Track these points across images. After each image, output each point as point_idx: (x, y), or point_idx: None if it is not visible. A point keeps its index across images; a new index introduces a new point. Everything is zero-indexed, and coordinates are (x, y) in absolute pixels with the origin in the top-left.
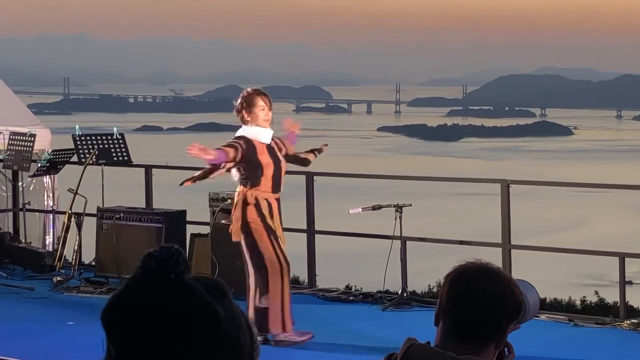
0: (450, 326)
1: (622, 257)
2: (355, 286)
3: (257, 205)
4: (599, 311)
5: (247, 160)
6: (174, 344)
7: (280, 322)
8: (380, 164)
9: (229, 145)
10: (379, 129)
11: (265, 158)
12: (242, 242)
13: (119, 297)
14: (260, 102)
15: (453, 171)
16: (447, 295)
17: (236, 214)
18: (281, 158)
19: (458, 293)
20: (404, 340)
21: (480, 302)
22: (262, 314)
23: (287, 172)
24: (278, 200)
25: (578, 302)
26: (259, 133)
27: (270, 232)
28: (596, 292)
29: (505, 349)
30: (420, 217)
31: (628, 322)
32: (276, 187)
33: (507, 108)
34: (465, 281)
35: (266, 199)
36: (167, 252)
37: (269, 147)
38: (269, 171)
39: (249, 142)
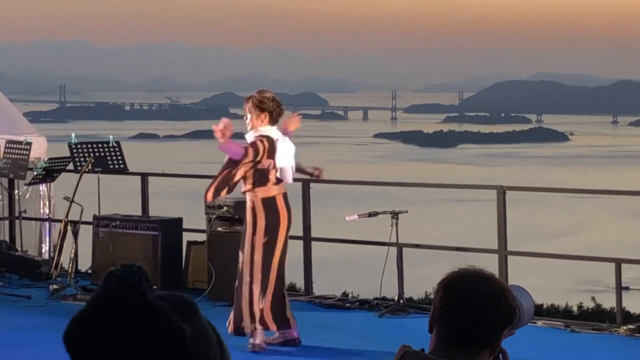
0: (444, 333)
1: (618, 262)
2: (352, 293)
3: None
4: (596, 317)
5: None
6: None
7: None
8: (376, 171)
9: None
10: (375, 136)
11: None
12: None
13: (80, 317)
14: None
15: (449, 178)
16: (441, 301)
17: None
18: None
19: (451, 299)
20: (399, 348)
21: (474, 308)
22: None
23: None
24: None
25: (575, 308)
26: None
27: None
28: (593, 298)
29: (500, 355)
30: (417, 224)
31: (625, 327)
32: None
33: (503, 114)
34: (458, 287)
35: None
36: (129, 271)
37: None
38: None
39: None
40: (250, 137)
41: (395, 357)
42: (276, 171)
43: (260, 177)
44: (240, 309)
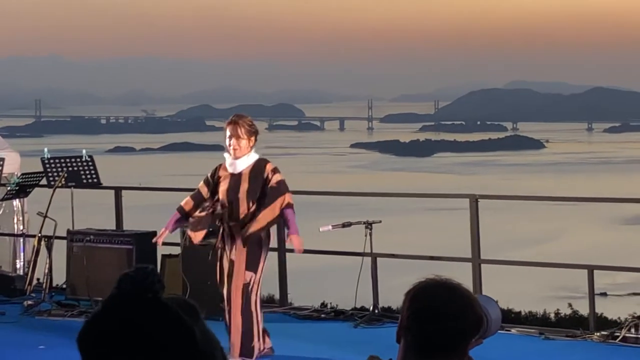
0: (412, 342)
1: (590, 269)
2: (330, 303)
3: (222, 231)
4: (573, 323)
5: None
6: None
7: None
8: (354, 181)
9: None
10: (352, 146)
11: (223, 186)
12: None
13: (96, 318)
14: (227, 132)
15: (426, 186)
16: (408, 311)
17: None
18: (243, 187)
19: (418, 309)
20: (367, 358)
21: (441, 318)
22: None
23: None
24: (241, 231)
25: (552, 315)
26: (227, 161)
27: (222, 256)
28: (570, 305)
29: None
30: (393, 233)
31: (598, 334)
32: (231, 215)
33: (479, 122)
34: (425, 297)
35: (226, 224)
36: (143, 272)
37: (235, 176)
38: (224, 199)
39: (217, 169)
40: (249, 160)
41: None
42: None
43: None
44: (251, 330)
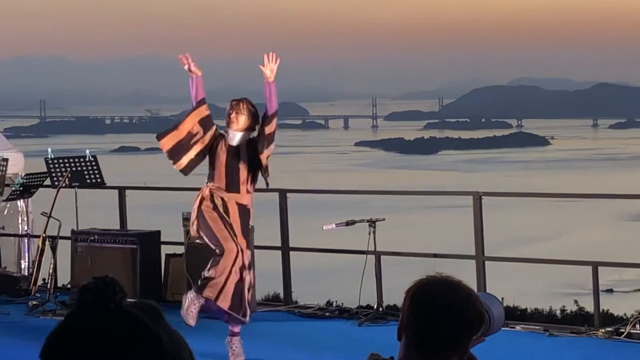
0: (412, 340)
1: (595, 266)
2: (336, 302)
3: (211, 198)
4: (579, 320)
5: (210, 154)
6: None
7: (217, 293)
8: (358, 179)
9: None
10: (356, 144)
11: (222, 155)
12: (202, 234)
13: (59, 332)
14: (227, 109)
15: (431, 184)
16: (408, 309)
17: (193, 208)
18: (242, 158)
19: (419, 307)
20: (368, 356)
21: (441, 315)
22: (205, 280)
23: (261, 190)
24: (239, 205)
25: (558, 312)
26: (227, 134)
27: (225, 221)
28: (575, 302)
29: None
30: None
31: (603, 330)
32: (230, 185)
33: (483, 120)
34: (425, 295)
35: (221, 197)
36: (103, 283)
37: (233, 148)
38: (222, 168)
39: (220, 136)
40: (246, 136)
41: None
42: None
43: None
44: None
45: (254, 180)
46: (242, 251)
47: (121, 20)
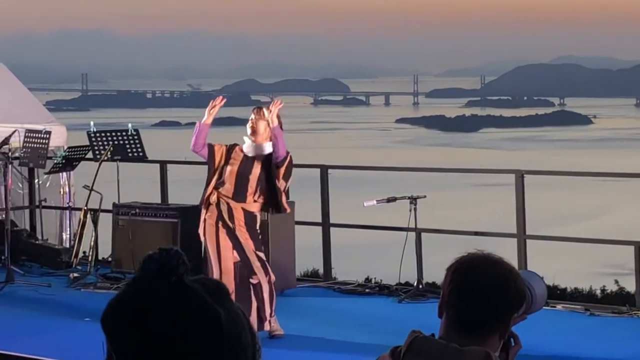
0: (453, 318)
1: (637, 245)
2: (374, 278)
3: (217, 204)
4: (619, 300)
5: (221, 164)
6: (175, 346)
7: None
8: (398, 156)
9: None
10: (397, 121)
11: (235, 165)
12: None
13: (119, 300)
14: (251, 115)
15: (472, 162)
16: (450, 286)
17: (202, 212)
18: (255, 171)
19: (460, 284)
20: (409, 333)
21: (482, 293)
22: None
23: (302, 165)
24: (246, 212)
25: (598, 292)
26: (245, 142)
27: (226, 231)
28: (616, 282)
29: (511, 339)
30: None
31: None
32: (237, 194)
33: (525, 98)
34: (466, 272)
35: (227, 203)
36: (167, 254)
37: (247, 157)
38: (232, 178)
39: (232, 147)
40: (266, 149)
41: (405, 342)
42: None
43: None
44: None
45: (262, 193)
46: (242, 260)
47: None
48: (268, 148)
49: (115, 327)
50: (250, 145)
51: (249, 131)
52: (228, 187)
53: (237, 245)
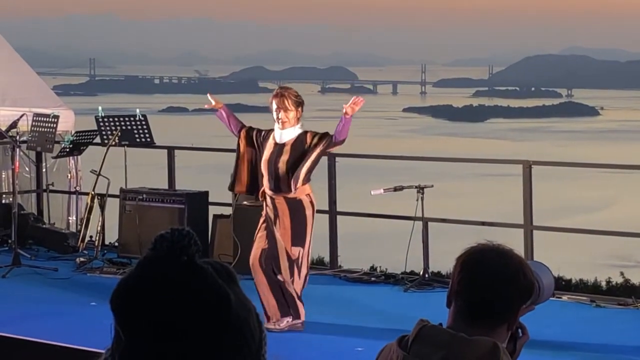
0: (462, 307)
1: None
2: (380, 267)
3: (265, 200)
4: (624, 292)
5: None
6: (185, 326)
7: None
8: (405, 145)
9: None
10: (404, 110)
11: (267, 154)
12: None
13: (128, 279)
14: (273, 105)
15: (479, 152)
16: (459, 276)
17: None
18: (283, 158)
19: (469, 274)
20: (417, 322)
21: (491, 283)
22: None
23: None
24: (288, 200)
25: (604, 283)
26: (275, 131)
27: (267, 227)
28: (622, 273)
29: (519, 330)
30: (444, 198)
31: None
32: (273, 185)
33: (533, 88)
34: (476, 262)
35: (270, 197)
36: (179, 234)
37: (279, 146)
38: (265, 169)
39: (269, 132)
40: (294, 132)
41: (412, 331)
42: None
43: None
44: (293, 296)
45: (299, 176)
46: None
47: None
48: (296, 132)
49: (124, 306)
50: (280, 132)
51: (279, 125)
52: (265, 179)
53: (271, 239)
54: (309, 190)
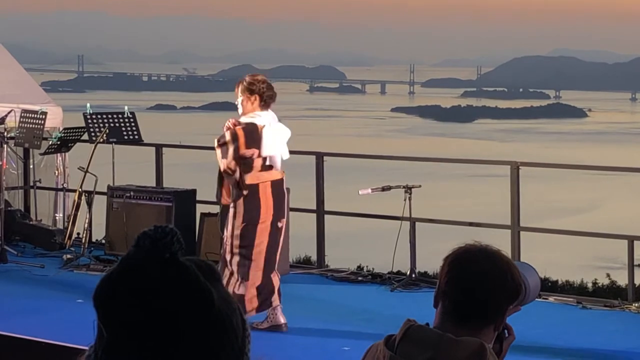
0: (449, 308)
1: (630, 240)
2: (366, 267)
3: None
4: (610, 294)
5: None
6: (167, 323)
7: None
8: (393, 145)
9: None
10: (392, 110)
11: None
12: None
13: (111, 275)
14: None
15: (466, 153)
16: (446, 277)
17: None
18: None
19: (457, 275)
20: (404, 322)
21: (479, 284)
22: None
23: (297, 152)
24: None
25: (590, 285)
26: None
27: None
28: (607, 275)
29: (505, 330)
30: (432, 199)
31: (636, 304)
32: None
33: (521, 89)
34: (464, 263)
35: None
36: (162, 231)
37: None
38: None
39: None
40: (244, 121)
41: (399, 330)
42: (263, 159)
43: (244, 166)
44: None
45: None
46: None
47: None
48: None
49: (107, 302)
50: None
51: (240, 111)
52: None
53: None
54: None
